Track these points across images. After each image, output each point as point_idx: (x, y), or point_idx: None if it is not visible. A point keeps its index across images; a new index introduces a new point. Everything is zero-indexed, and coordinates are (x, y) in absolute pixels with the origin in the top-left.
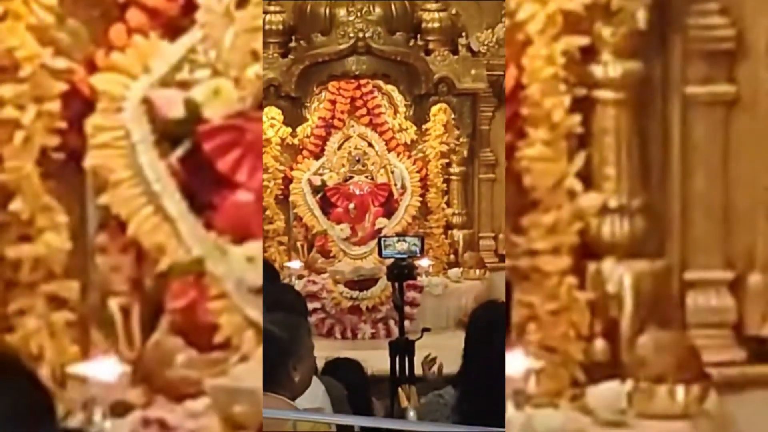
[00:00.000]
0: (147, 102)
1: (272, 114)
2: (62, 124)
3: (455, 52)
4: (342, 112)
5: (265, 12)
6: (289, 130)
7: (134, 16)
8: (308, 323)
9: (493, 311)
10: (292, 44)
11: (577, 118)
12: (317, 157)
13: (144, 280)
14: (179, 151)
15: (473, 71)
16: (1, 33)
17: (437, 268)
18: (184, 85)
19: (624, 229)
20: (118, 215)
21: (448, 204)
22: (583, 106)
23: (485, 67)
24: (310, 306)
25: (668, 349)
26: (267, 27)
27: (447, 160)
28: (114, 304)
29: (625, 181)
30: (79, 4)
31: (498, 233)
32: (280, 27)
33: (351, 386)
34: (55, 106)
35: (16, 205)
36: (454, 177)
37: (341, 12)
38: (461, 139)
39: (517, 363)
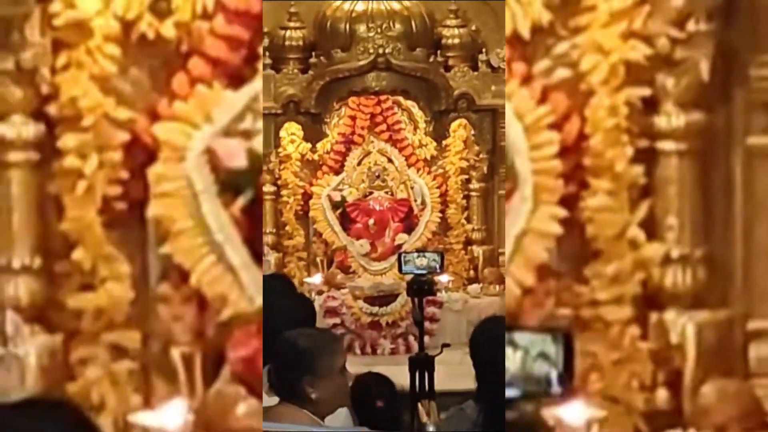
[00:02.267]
0: (209, 152)
1: (292, 130)
2: (124, 174)
3: (475, 68)
4: (362, 128)
5: (285, 28)
6: (309, 145)
7: (197, 65)
8: (339, 342)
9: (495, 326)
10: (313, 60)
11: (639, 168)
12: (337, 172)
13: (206, 330)
14: (241, 201)
15: (493, 87)
16: (64, 82)
17: (457, 284)
18: (247, 135)
19: (686, 280)
20: (180, 265)
21: (468, 220)
22: (646, 156)
23: (505, 83)
24: (330, 321)
25: (731, 399)
26: (287, 43)
27: (467, 176)
28: (176, 354)
29: (687, 232)
30: (141, 53)
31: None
32: (301, 43)
33: (381, 407)
34: (117, 155)
35: (78, 254)
36: (473, 193)
37: (361, 28)
38: (481, 155)
39: (578, 412)
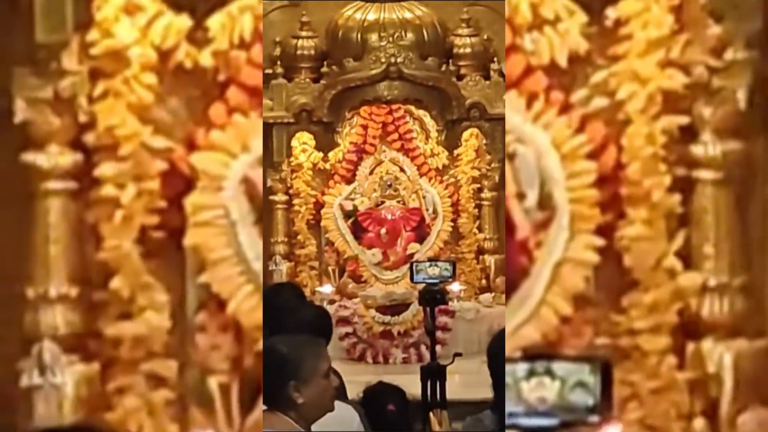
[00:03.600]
0: (246, 181)
1: (304, 139)
2: (162, 203)
3: (487, 77)
4: (374, 137)
5: (297, 37)
6: (321, 155)
7: (234, 95)
8: (322, 347)
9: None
10: (324, 69)
11: (677, 197)
12: (349, 182)
13: (243, 359)
14: None
15: (505, 96)
16: (101, 111)
17: (469, 293)
18: None
19: (724, 309)
20: (218, 294)
21: (480, 229)
22: (683, 185)
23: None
24: (342, 331)
25: None
26: (299, 52)
27: (478, 185)
28: (213, 383)
29: (724, 261)
30: (179, 82)
31: None
32: (312, 52)
33: (393, 412)
34: (154, 184)
35: (116, 283)
36: (485, 202)
37: (373, 37)
38: (493, 164)
39: None
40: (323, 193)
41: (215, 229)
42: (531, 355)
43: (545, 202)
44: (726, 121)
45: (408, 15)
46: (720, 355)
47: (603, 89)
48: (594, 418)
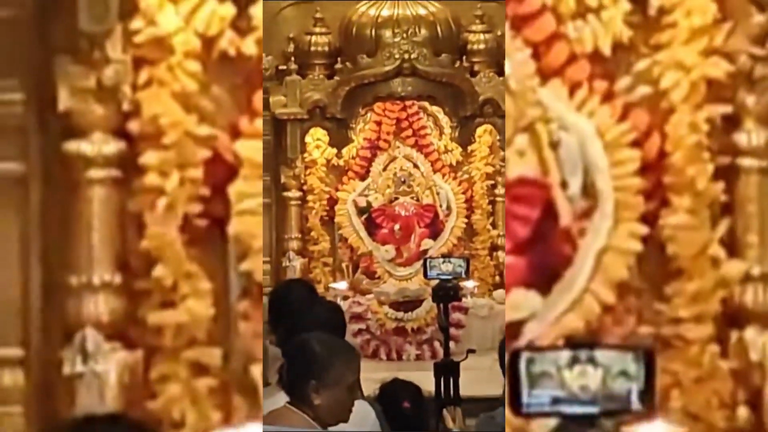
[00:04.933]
0: None
1: (318, 135)
2: (205, 191)
3: (500, 73)
4: (387, 134)
5: (311, 33)
6: (335, 151)
7: None
8: (356, 360)
9: None
10: (338, 66)
11: (720, 185)
12: (363, 178)
13: None
14: None
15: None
16: (145, 100)
17: (482, 290)
18: None
19: (767, 298)
20: (260, 282)
21: (494, 225)
22: (726, 173)
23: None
24: (355, 327)
25: None
26: (313, 48)
27: (492, 182)
28: (256, 371)
29: None
30: (222, 70)
31: None
32: (326, 48)
33: (409, 409)
34: (198, 173)
35: (159, 271)
36: (499, 198)
37: (387, 33)
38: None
39: (660, 430)
40: (337, 190)
41: (258, 218)
42: (574, 343)
43: (589, 191)
44: None
45: (422, 11)
46: (763, 344)
47: (646, 77)
48: (637, 407)
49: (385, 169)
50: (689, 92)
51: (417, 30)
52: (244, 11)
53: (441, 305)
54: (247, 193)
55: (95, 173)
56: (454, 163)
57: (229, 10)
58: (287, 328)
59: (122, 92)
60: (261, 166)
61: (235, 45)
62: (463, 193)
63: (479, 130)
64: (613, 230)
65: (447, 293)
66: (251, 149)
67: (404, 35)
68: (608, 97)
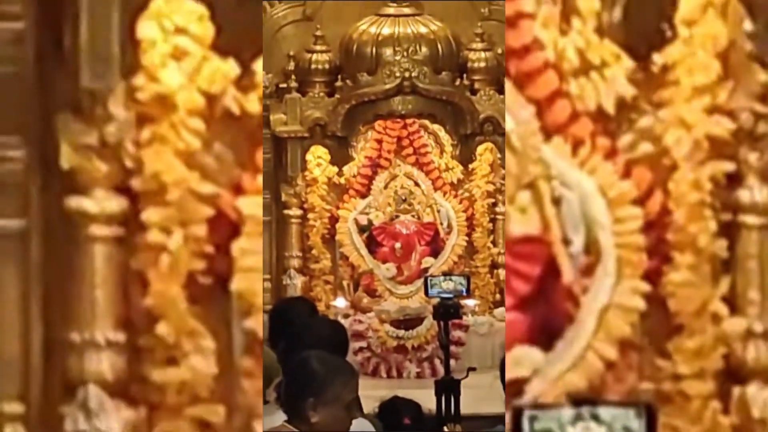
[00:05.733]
0: None
1: (318, 153)
2: (209, 248)
3: (501, 91)
4: (388, 152)
5: (311, 51)
6: (336, 169)
7: None
8: (354, 379)
9: None
10: (338, 84)
11: (722, 243)
12: (363, 196)
13: None
14: None
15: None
16: (148, 157)
17: (483, 308)
18: None
19: None
20: (261, 340)
21: (494, 243)
22: (729, 231)
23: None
24: (356, 345)
25: None
26: (313, 66)
27: (493, 200)
28: (259, 429)
29: None
30: (225, 128)
31: None
32: (327, 66)
33: (409, 426)
34: (201, 230)
35: (162, 328)
36: (500, 216)
37: (387, 52)
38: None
39: None
40: (338, 208)
41: (261, 275)
42: (576, 400)
43: (591, 248)
44: None
45: (422, 29)
46: (765, 401)
47: (649, 135)
48: None
49: (386, 187)
50: (692, 150)
51: (417, 48)
52: (247, 69)
53: (441, 323)
54: (250, 250)
55: (97, 230)
56: (454, 181)
57: (233, 68)
58: (287, 346)
59: (125, 149)
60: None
61: (238, 102)
62: (464, 211)
63: (480, 148)
64: (615, 287)
65: (448, 311)
66: (254, 206)
67: (405, 53)
68: (611, 154)
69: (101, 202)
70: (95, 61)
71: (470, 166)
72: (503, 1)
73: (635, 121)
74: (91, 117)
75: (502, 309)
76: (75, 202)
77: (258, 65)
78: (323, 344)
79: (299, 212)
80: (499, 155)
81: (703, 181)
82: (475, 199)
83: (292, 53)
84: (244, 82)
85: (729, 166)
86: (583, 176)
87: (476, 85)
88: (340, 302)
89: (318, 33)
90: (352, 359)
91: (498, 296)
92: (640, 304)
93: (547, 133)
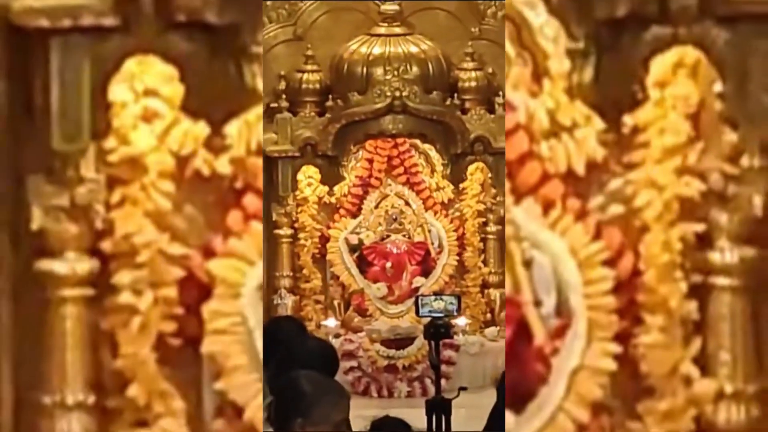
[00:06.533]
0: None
1: (309, 173)
2: (179, 310)
3: (491, 110)
4: (379, 171)
5: (302, 71)
6: (326, 188)
7: (251, 202)
8: (344, 399)
9: None
10: (329, 103)
11: (693, 304)
12: (354, 215)
13: None
14: None
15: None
16: (118, 219)
17: (474, 327)
18: None
19: (740, 416)
20: (234, 401)
21: (485, 263)
22: (699, 292)
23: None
24: (347, 365)
25: None
26: (304, 86)
27: (484, 219)
28: None
29: (740, 367)
30: (196, 190)
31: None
32: (317, 86)
33: None
34: (172, 291)
35: (132, 391)
36: (490, 236)
37: (378, 71)
38: (498, 198)
39: None
40: (328, 227)
41: (232, 337)
42: None
43: (562, 309)
44: (742, 228)
45: (413, 49)
46: None
47: (620, 196)
48: None
49: (376, 207)
50: (662, 211)
51: (408, 68)
52: (218, 130)
53: (432, 343)
54: (221, 312)
55: (68, 292)
56: (445, 201)
57: (203, 130)
58: (277, 366)
59: (95, 211)
60: (236, 285)
61: (208, 164)
62: (455, 230)
63: (471, 168)
64: (586, 349)
65: (438, 331)
66: (225, 268)
67: (395, 73)
68: (581, 215)
69: (72, 263)
70: (66, 123)
71: (461, 186)
72: (493, 20)
73: (606, 182)
74: (62, 179)
75: (493, 329)
76: (45, 263)
77: (229, 128)
78: (312, 364)
79: (290, 232)
80: (489, 174)
81: (674, 242)
82: (466, 218)
83: (282, 73)
84: (214, 144)
85: (699, 228)
86: (554, 238)
87: (467, 105)
88: (331, 322)
89: (309, 53)
90: (342, 379)
91: (489, 316)
92: (611, 365)
93: (518, 194)
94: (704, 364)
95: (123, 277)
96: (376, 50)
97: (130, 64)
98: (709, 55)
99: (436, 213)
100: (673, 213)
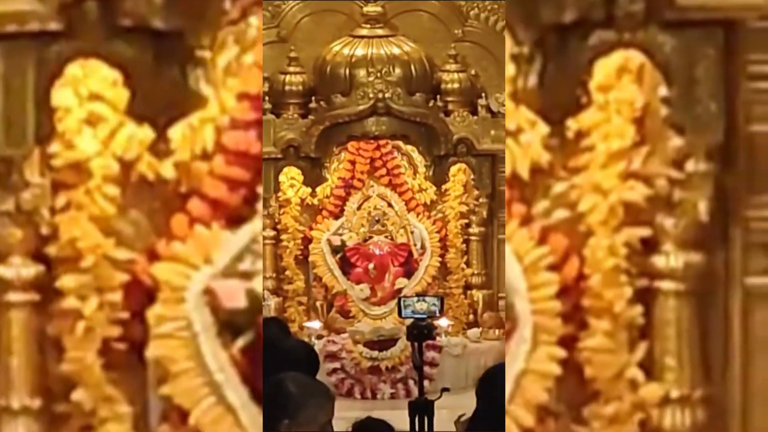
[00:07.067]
0: (209, 292)
1: (292, 174)
2: (124, 315)
3: (474, 112)
4: (362, 173)
5: (285, 73)
6: (309, 190)
7: (196, 206)
8: (330, 401)
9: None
10: (312, 105)
11: (638, 309)
12: (337, 217)
13: None
14: (241, 342)
15: (492, 132)
16: (63, 223)
17: (457, 328)
18: (246, 276)
19: (685, 421)
20: (180, 405)
21: (468, 264)
22: (645, 296)
23: (504, 127)
24: (330, 366)
25: None
26: (287, 88)
27: (466, 221)
28: None
29: (686, 372)
30: (141, 194)
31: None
32: (300, 88)
33: None
34: (116, 296)
35: (78, 395)
36: (473, 237)
37: (361, 73)
38: (480, 200)
39: None
40: (311, 229)
41: (177, 341)
42: None
43: (507, 314)
44: (687, 232)
45: (396, 51)
46: None
47: (564, 201)
48: None
49: (359, 208)
50: (607, 215)
51: (391, 69)
52: (162, 134)
53: (415, 344)
54: (165, 316)
55: (13, 297)
56: (428, 202)
57: (148, 134)
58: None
59: (40, 216)
60: (181, 289)
61: (153, 168)
62: (438, 232)
63: (453, 169)
64: (531, 353)
65: (421, 332)
66: (170, 273)
67: (378, 75)
68: (526, 220)
69: (17, 268)
70: (10, 128)
71: (443, 187)
72: (476, 22)
73: (551, 187)
74: (7, 184)
75: (475, 330)
76: None
77: (173, 132)
78: (293, 366)
79: (272, 233)
80: (472, 176)
81: (619, 246)
82: (449, 219)
83: (266, 75)
84: (159, 148)
85: (644, 232)
86: None
87: (450, 106)
88: (314, 323)
89: (292, 54)
90: (326, 380)
91: (471, 317)
92: (556, 369)
93: None
94: (650, 368)
95: (68, 281)
96: (360, 52)
97: (75, 69)
98: (654, 60)
99: (418, 214)
100: (618, 217)
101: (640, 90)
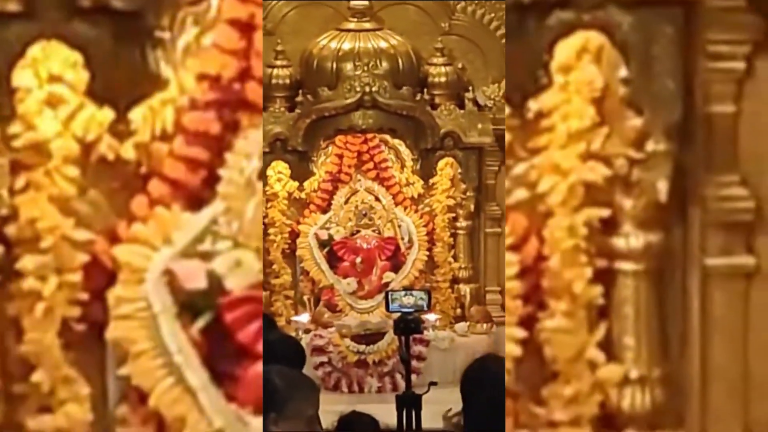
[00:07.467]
0: (169, 273)
1: (279, 168)
2: (84, 296)
3: (461, 106)
4: (349, 167)
5: (272, 66)
6: (296, 184)
7: (156, 187)
8: (315, 393)
9: (488, 365)
10: (299, 98)
11: (598, 289)
12: (324, 211)
13: None
14: (201, 323)
15: (479, 125)
16: (23, 204)
17: (444, 322)
18: (206, 257)
19: (644, 401)
20: (139, 387)
21: (455, 258)
22: (604, 277)
23: (491, 121)
24: (317, 360)
25: None
26: (273, 81)
27: (453, 215)
28: None
29: (645, 352)
30: (101, 175)
31: (504, 287)
32: (287, 81)
33: None
34: (76, 277)
35: (37, 376)
36: (460, 231)
37: (348, 66)
38: (468, 193)
39: None
40: (298, 222)
41: (136, 322)
42: None
43: None
44: (646, 212)
45: (383, 44)
46: None
47: (524, 181)
48: None
49: (346, 202)
50: (567, 196)
51: (378, 63)
52: (122, 116)
53: (402, 338)
54: (125, 297)
55: None
56: (415, 196)
57: (108, 115)
58: None
59: (0, 197)
60: (140, 270)
61: (113, 149)
62: (425, 225)
63: (440, 163)
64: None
65: (408, 326)
66: (129, 254)
67: (365, 68)
68: None
69: None
70: None
71: (431, 181)
72: (463, 15)
73: (510, 167)
74: None
75: (462, 324)
76: None
77: (134, 113)
78: (279, 359)
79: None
80: (459, 170)
81: (578, 227)
82: (436, 213)
83: None
84: (119, 129)
85: (604, 213)
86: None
87: (437, 100)
88: (301, 317)
89: (278, 48)
90: (313, 374)
91: (459, 311)
92: (517, 350)
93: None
94: (609, 348)
95: (27, 262)
96: (346, 45)
97: (35, 50)
98: (613, 40)
99: (406, 208)
100: (577, 198)
101: (600, 70)
